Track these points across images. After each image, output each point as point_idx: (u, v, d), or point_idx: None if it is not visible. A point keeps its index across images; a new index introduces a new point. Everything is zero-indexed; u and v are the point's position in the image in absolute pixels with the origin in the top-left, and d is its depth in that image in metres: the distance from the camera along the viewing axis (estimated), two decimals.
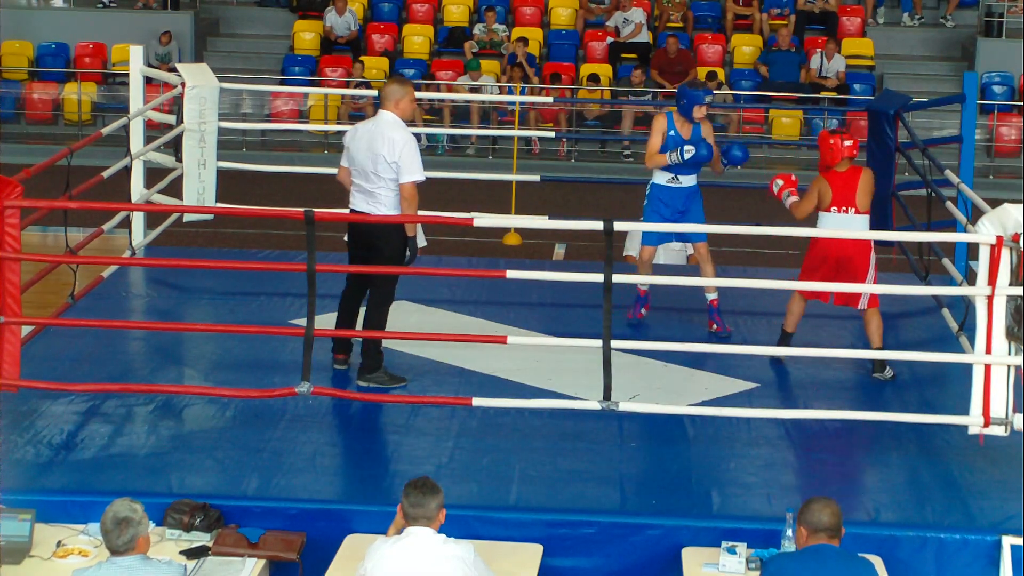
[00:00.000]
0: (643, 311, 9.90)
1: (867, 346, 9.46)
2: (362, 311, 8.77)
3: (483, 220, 8.04)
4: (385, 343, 9.18)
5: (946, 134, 16.13)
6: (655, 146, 9.65)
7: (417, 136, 18.61)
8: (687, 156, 9.51)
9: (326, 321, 9.11)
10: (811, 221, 9.02)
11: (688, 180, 9.69)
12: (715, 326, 9.75)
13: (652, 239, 9.86)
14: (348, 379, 8.65)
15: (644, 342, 8.32)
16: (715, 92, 21.12)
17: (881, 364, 8.90)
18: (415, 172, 8.55)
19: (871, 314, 8.98)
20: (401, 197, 8.53)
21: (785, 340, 9.14)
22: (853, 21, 23.06)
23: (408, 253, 8.64)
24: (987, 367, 7.40)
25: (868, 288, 8.75)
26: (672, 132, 9.64)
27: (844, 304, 9.09)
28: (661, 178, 9.72)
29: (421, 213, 8.73)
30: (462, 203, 16.50)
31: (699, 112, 9.61)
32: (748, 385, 8.78)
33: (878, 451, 7.94)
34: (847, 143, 8.91)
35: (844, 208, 8.87)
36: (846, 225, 8.83)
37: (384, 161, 8.55)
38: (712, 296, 9.80)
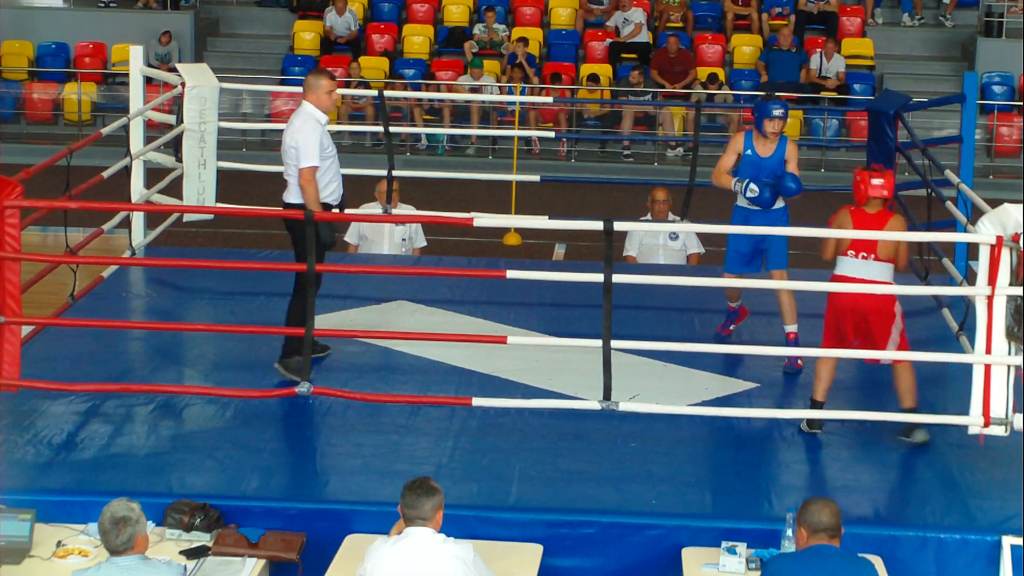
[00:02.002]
0: (732, 326, 9.57)
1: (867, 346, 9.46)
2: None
3: (483, 220, 8.03)
4: (386, 343, 9.19)
5: (946, 134, 16.12)
6: (725, 165, 9.08)
7: (417, 136, 18.56)
8: (749, 195, 8.91)
9: (326, 321, 9.13)
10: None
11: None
12: (788, 363, 9.02)
13: (734, 266, 9.21)
14: (348, 379, 8.65)
15: (644, 342, 8.31)
16: (715, 92, 21.20)
17: (911, 426, 7.99)
18: (310, 157, 8.64)
19: (900, 369, 8.01)
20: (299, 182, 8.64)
21: (816, 408, 8.12)
22: (853, 21, 23.05)
23: (321, 238, 8.61)
24: (987, 367, 7.40)
25: (886, 355, 8.05)
26: (748, 151, 9.02)
27: (870, 361, 8.33)
28: (741, 199, 9.10)
29: (421, 213, 8.72)
30: (462, 203, 16.51)
31: (770, 126, 8.92)
32: (748, 385, 8.78)
33: (878, 451, 7.94)
34: (875, 181, 8.14)
35: (864, 254, 8.09)
36: (864, 273, 8.05)
37: (288, 147, 8.72)
38: (791, 328, 9.17)
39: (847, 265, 8.09)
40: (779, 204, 9.11)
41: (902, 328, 8.08)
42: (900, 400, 8.02)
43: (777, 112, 8.89)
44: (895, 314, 8.04)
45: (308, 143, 8.64)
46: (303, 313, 8.31)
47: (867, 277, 7.99)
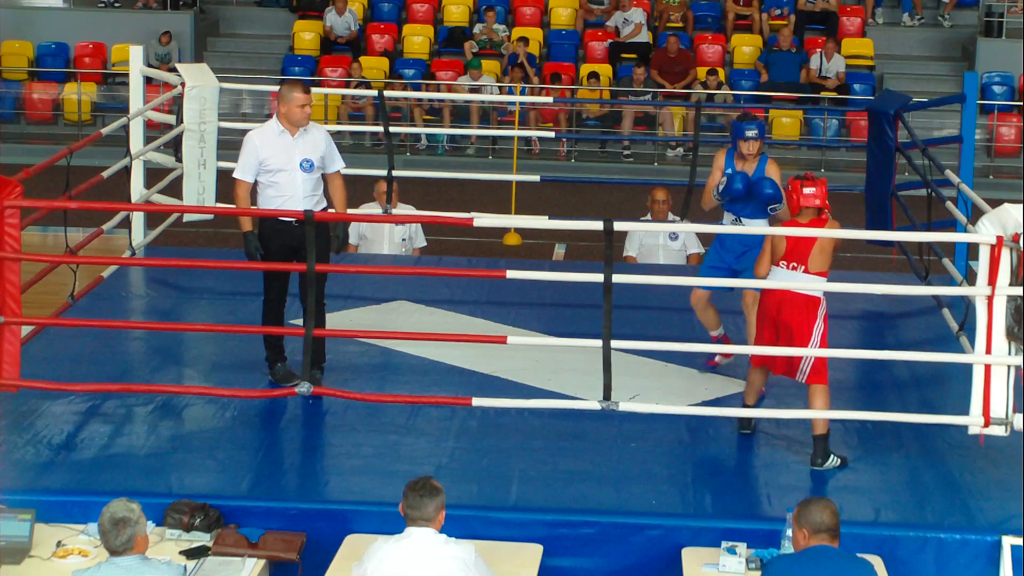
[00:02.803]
0: (718, 357, 9.06)
1: (867, 346, 9.47)
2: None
3: (483, 220, 8.04)
4: (386, 343, 9.19)
5: (946, 134, 16.13)
6: (711, 184, 8.83)
7: (417, 136, 18.53)
8: (720, 187, 8.64)
9: (326, 321, 9.11)
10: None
11: (755, 224, 8.63)
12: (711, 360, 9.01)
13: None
14: (348, 379, 8.64)
15: (644, 342, 8.31)
16: (715, 92, 21.21)
17: (824, 453, 7.74)
18: (237, 169, 8.59)
19: (814, 391, 7.80)
20: None
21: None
22: (853, 21, 23.05)
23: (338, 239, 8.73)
24: (987, 367, 7.39)
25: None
26: (729, 170, 8.72)
27: (784, 374, 7.95)
28: (726, 219, 8.84)
29: (421, 213, 8.72)
30: (462, 203, 16.52)
31: (745, 147, 8.62)
32: None
33: (878, 451, 7.94)
34: (807, 191, 7.83)
35: (794, 265, 7.81)
36: (791, 285, 7.77)
37: None
38: (715, 332, 9.08)
39: (776, 275, 7.86)
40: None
41: (822, 345, 7.78)
42: (813, 426, 7.76)
43: (750, 133, 8.62)
44: (813, 332, 7.75)
45: (241, 154, 8.54)
46: (272, 316, 8.46)
47: (793, 289, 7.78)
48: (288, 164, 8.47)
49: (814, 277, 7.79)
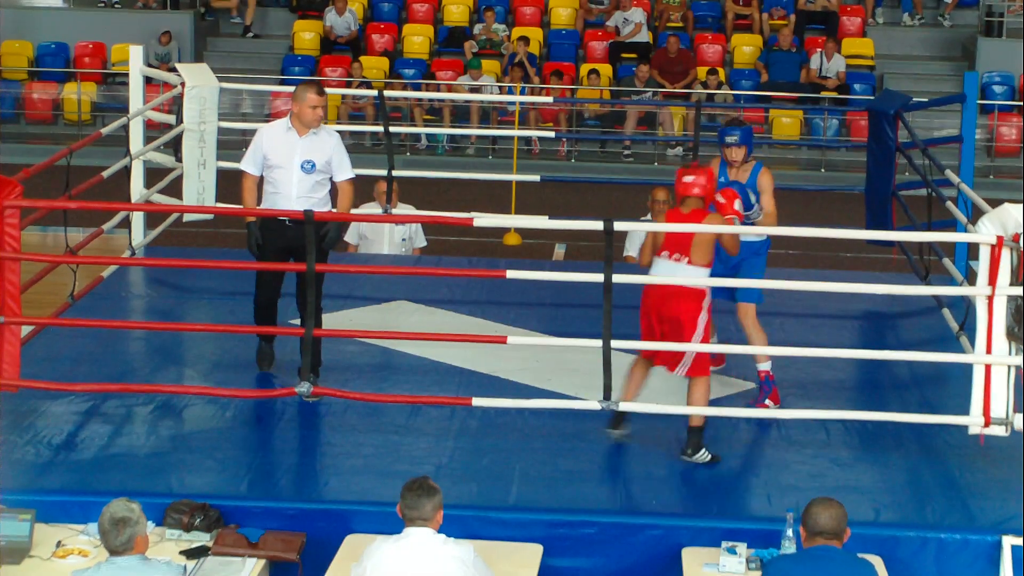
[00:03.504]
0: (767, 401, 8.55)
1: (867, 346, 9.47)
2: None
3: (483, 220, 8.03)
4: (386, 343, 9.19)
5: (946, 134, 16.13)
6: None
7: (417, 136, 18.49)
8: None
9: (326, 321, 9.11)
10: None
11: (746, 235, 8.34)
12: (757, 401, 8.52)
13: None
14: (348, 379, 8.64)
15: (644, 342, 8.31)
16: (715, 92, 21.20)
17: (696, 445, 7.72)
18: (243, 160, 8.72)
19: (694, 383, 7.75)
20: None
21: (619, 414, 7.81)
22: (853, 21, 23.05)
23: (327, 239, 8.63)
24: (987, 367, 7.39)
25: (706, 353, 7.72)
26: (722, 178, 8.48)
27: (665, 365, 7.85)
28: None
29: (421, 213, 8.72)
30: (462, 203, 16.50)
31: (727, 154, 8.46)
32: (748, 385, 8.78)
33: (878, 451, 7.94)
34: (687, 179, 7.76)
35: (676, 256, 7.74)
36: (672, 276, 7.69)
37: None
38: (763, 367, 8.53)
39: (658, 266, 7.79)
40: (759, 236, 8.51)
41: (703, 338, 7.72)
42: (690, 417, 7.72)
43: (730, 139, 8.45)
44: (697, 326, 7.69)
45: (249, 149, 8.65)
46: (261, 315, 8.56)
47: (674, 280, 7.73)
48: (287, 162, 8.51)
49: (698, 269, 7.73)
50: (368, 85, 20.74)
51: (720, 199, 7.95)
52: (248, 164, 8.65)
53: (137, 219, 11.02)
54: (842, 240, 14.52)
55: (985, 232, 7.32)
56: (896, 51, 23.05)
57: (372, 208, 11.72)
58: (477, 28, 22.86)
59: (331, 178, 8.60)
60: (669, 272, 7.74)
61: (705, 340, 7.76)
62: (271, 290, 8.68)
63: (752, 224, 8.36)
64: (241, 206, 8.83)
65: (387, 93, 12.80)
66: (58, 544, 6.78)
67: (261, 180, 8.64)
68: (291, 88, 21.60)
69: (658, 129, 21.37)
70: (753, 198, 8.35)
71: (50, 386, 7.97)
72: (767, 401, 8.42)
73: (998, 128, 21.26)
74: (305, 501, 7.23)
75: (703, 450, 7.72)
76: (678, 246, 7.75)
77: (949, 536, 7.04)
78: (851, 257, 15.11)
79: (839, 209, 16.45)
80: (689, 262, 7.73)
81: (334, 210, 8.70)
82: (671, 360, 7.78)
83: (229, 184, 11.66)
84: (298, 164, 8.49)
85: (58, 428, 7.91)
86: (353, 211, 9.24)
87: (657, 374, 8.76)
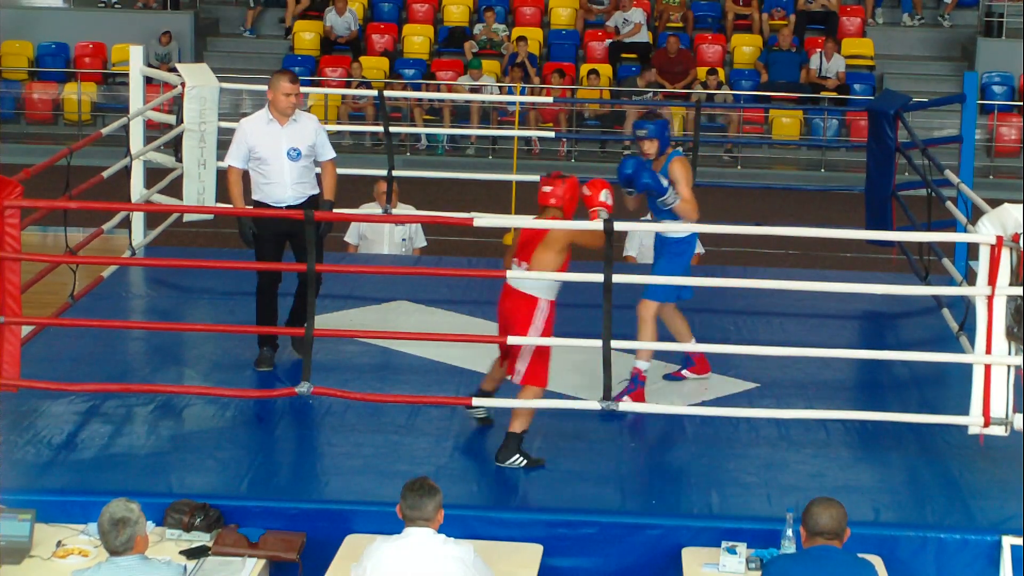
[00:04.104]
0: (685, 371, 8.84)
1: (867, 346, 9.48)
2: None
3: (483, 220, 8.02)
4: (386, 343, 9.19)
5: (946, 134, 16.13)
6: None
7: (417, 136, 18.51)
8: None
9: (326, 321, 9.13)
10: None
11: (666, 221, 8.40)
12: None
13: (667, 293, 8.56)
14: (348, 379, 8.64)
15: (644, 342, 8.31)
16: (715, 92, 21.20)
17: (510, 450, 7.66)
18: (228, 155, 8.88)
19: (525, 391, 7.71)
20: None
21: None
22: (853, 21, 23.06)
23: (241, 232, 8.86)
24: (987, 367, 7.40)
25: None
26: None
27: (508, 372, 7.83)
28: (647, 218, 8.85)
29: (421, 213, 8.73)
30: (462, 203, 16.50)
31: (641, 148, 8.42)
32: (748, 385, 8.78)
33: (878, 451, 7.94)
34: (545, 188, 7.75)
35: (525, 265, 7.70)
36: (513, 282, 7.69)
37: None
38: (640, 364, 8.44)
39: (511, 272, 7.72)
40: (677, 234, 8.45)
41: (539, 351, 7.69)
42: (510, 421, 7.67)
43: (639, 133, 8.41)
44: (528, 332, 7.66)
45: (233, 143, 8.82)
46: (264, 299, 8.71)
47: (514, 286, 7.70)
48: (275, 152, 8.69)
49: (536, 274, 7.66)
50: (368, 85, 20.74)
51: (587, 191, 7.85)
52: (234, 159, 8.79)
53: (137, 219, 11.02)
54: (842, 240, 14.52)
55: (985, 232, 7.32)
56: (896, 51, 23.05)
57: (372, 208, 11.72)
58: (477, 28, 22.86)
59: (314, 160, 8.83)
60: (511, 278, 7.71)
61: (545, 356, 7.68)
62: (275, 275, 8.84)
63: (669, 210, 8.31)
64: (231, 204, 8.91)
65: (387, 93, 12.80)
66: (58, 544, 6.78)
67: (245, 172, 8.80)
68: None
69: None
70: (665, 181, 8.27)
71: (50, 386, 7.97)
72: (625, 398, 8.26)
73: (998, 128, 21.26)
74: (305, 501, 7.23)
75: (518, 455, 7.63)
76: (524, 253, 7.72)
77: (949, 536, 7.04)
78: (851, 257, 15.11)
79: (839, 209, 16.45)
80: (529, 268, 7.69)
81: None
82: (511, 367, 7.76)
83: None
84: (285, 153, 8.68)
85: (58, 428, 7.92)
86: (353, 211, 9.28)
87: (651, 374, 8.77)
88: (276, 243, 8.73)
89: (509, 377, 7.84)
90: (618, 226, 7.53)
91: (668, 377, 8.85)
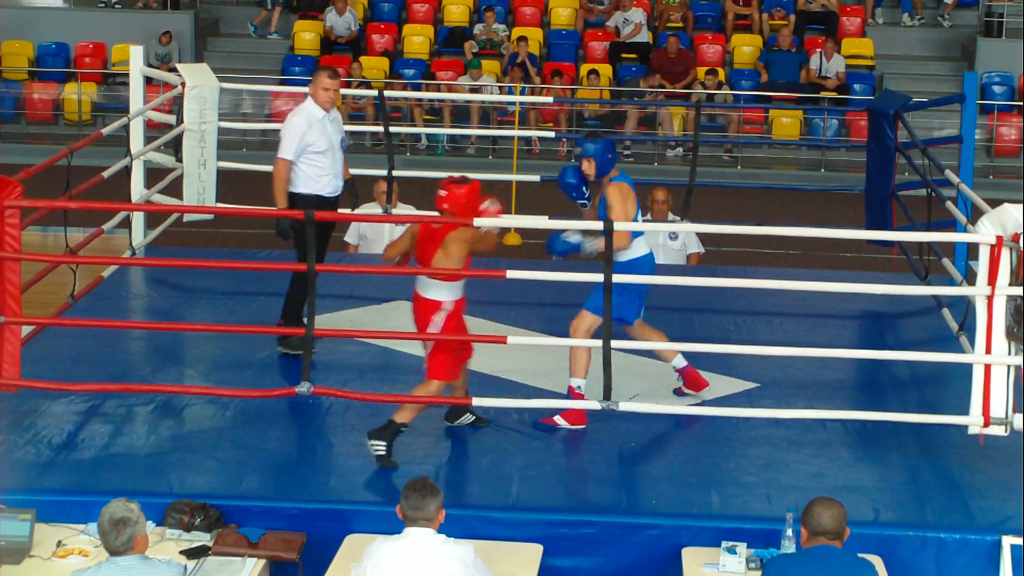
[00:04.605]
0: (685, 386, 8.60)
1: (867, 346, 9.48)
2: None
3: (483, 220, 8.03)
4: (386, 343, 9.19)
5: (946, 134, 16.13)
6: None
7: (417, 136, 18.56)
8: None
9: (326, 321, 9.12)
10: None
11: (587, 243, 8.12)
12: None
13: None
14: (348, 379, 8.64)
15: (644, 342, 8.31)
16: (715, 92, 21.20)
17: (381, 435, 7.60)
18: (283, 150, 9.03)
19: (424, 384, 7.66)
20: None
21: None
22: (853, 21, 23.06)
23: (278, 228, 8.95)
24: (987, 367, 7.40)
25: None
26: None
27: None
28: None
29: (421, 213, 8.74)
30: None
31: (581, 165, 8.27)
32: (748, 385, 8.79)
33: (878, 451, 7.94)
34: (440, 192, 7.71)
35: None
36: (414, 283, 7.75)
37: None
38: (574, 382, 8.18)
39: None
40: (621, 255, 8.10)
41: (443, 346, 7.68)
42: (398, 411, 7.63)
43: (576, 150, 8.31)
44: (429, 327, 7.69)
45: (287, 136, 8.99)
46: (299, 303, 8.73)
47: (414, 287, 7.81)
48: (329, 144, 9.06)
49: (436, 281, 7.67)
50: (368, 85, 20.73)
51: (487, 204, 7.82)
52: (291, 152, 9.00)
53: (137, 219, 11.03)
54: (842, 240, 14.52)
55: (985, 232, 7.32)
56: (896, 51, 23.05)
57: (372, 208, 11.72)
58: (477, 28, 22.86)
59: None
60: (418, 284, 7.76)
61: (446, 350, 7.67)
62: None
63: (587, 252, 8.12)
64: (277, 197, 8.94)
65: (387, 93, 12.79)
66: (58, 544, 6.79)
67: None
68: (291, 88, 21.75)
69: (658, 129, 21.37)
70: (575, 239, 8.09)
71: (50, 386, 7.97)
72: (557, 417, 8.11)
73: (998, 128, 21.26)
74: (305, 501, 7.23)
75: (383, 444, 7.55)
76: (423, 257, 7.73)
77: (949, 536, 7.04)
78: (851, 257, 15.11)
79: (839, 209, 16.45)
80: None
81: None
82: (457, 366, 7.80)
83: (229, 184, 11.69)
84: (338, 144, 9.11)
85: (58, 428, 7.92)
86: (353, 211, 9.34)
87: (651, 374, 8.78)
88: (320, 237, 8.70)
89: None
90: (618, 226, 7.52)
91: (677, 393, 8.64)
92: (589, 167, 8.26)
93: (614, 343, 7.50)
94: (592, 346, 7.64)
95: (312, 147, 8.98)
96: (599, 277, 7.49)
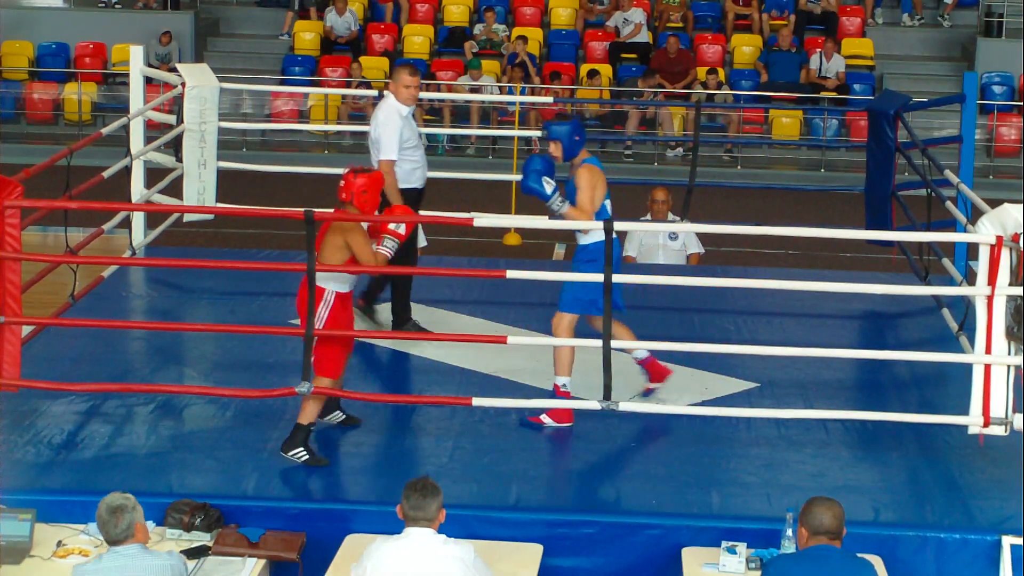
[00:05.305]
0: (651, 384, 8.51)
1: (867, 346, 9.48)
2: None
3: (483, 220, 8.04)
4: (387, 343, 9.20)
5: (946, 134, 16.13)
6: None
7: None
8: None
9: None
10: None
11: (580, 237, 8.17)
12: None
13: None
14: (348, 379, 8.64)
15: (644, 342, 8.31)
16: (715, 92, 21.20)
17: (293, 443, 7.56)
18: (387, 151, 9.16)
19: (316, 381, 7.56)
20: None
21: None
22: (853, 21, 23.06)
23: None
24: (987, 367, 7.39)
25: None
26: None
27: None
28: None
29: (421, 213, 8.75)
30: (462, 203, 16.48)
31: (548, 148, 8.19)
32: (748, 385, 8.78)
33: (878, 451, 7.94)
34: (341, 183, 7.67)
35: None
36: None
37: (372, 139, 9.22)
38: (558, 380, 8.10)
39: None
40: (582, 240, 8.14)
41: (322, 345, 7.56)
42: (300, 413, 7.59)
43: (541, 134, 8.26)
44: (312, 314, 7.51)
45: (388, 137, 9.16)
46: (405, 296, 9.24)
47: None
48: (418, 139, 9.33)
49: (320, 274, 7.54)
50: (368, 85, 20.74)
51: (392, 226, 7.79)
52: (395, 152, 9.19)
53: (137, 219, 11.02)
54: (842, 240, 14.53)
55: (985, 232, 7.32)
56: (896, 51, 23.05)
57: None
58: (477, 28, 22.87)
59: None
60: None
61: (335, 345, 7.59)
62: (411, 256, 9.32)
63: (557, 214, 8.14)
64: (391, 197, 8.95)
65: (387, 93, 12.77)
66: (58, 544, 6.79)
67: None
68: (291, 88, 21.75)
69: (658, 129, 21.37)
70: (549, 188, 8.07)
71: (50, 386, 7.97)
72: (543, 416, 8.05)
73: (998, 128, 21.26)
74: (305, 501, 7.24)
75: (301, 450, 7.54)
76: (319, 248, 7.59)
77: (949, 536, 7.04)
78: (851, 257, 15.12)
79: (839, 209, 16.46)
80: (317, 258, 7.56)
81: None
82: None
83: (229, 184, 11.69)
84: (426, 137, 9.01)
85: (58, 428, 7.92)
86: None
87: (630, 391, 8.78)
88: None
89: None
90: (618, 226, 7.53)
91: (644, 395, 8.52)
92: (556, 149, 8.21)
93: (614, 343, 7.50)
94: (589, 346, 7.63)
95: (406, 143, 9.22)
96: (599, 277, 7.48)
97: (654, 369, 8.51)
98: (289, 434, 7.62)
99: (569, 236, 16.51)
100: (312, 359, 7.53)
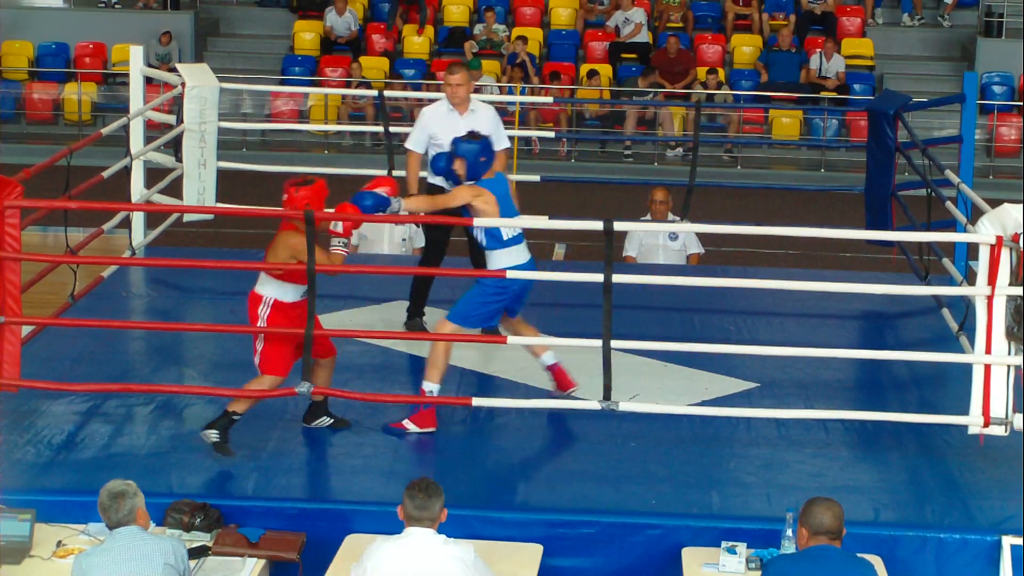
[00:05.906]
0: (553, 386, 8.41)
1: (867, 346, 9.48)
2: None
3: (483, 220, 8.02)
4: (386, 343, 9.20)
5: (946, 134, 16.13)
6: None
7: None
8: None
9: (326, 321, 9.11)
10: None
11: None
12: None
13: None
14: (348, 379, 8.64)
15: (644, 342, 8.31)
16: (715, 92, 21.21)
17: (215, 425, 7.64)
18: (408, 141, 9.64)
19: (260, 379, 7.65)
20: None
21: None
22: (853, 21, 23.06)
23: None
24: (987, 367, 7.39)
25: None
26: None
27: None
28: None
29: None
30: None
31: (455, 163, 8.17)
32: (748, 385, 8.78)
33: (878, 451, 7.94)
34: (284, 195, 7.70)
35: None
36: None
37: None
38: (426, 385, 8.07)
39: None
40: (497, 262, 8.13)
41: (269, 343, 7.62)
42: (233, 401, 7.66)
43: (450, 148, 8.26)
44: (254, 318, 7.66)
45: (414, 128, 9.57)
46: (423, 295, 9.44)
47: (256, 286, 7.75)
48: (450, 139, 8.91)
49: (267, 276, 7.68)
50: (368, 85, 20.74)
51: (335, 225, 7.82)
52: (413, 143, 9.55)
53: (137, 219, 11.02)
54: (842, 240, 14.53)
55: (985, 232, 7.32)
56: (896, 51, 23.06)
57: None
58: (477, 28, 22.87)
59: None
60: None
61: (276, 344, 7.62)
62: (442, 254, 9.57)
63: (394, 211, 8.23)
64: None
65: (387, 93, 12.80)
66: (58, 544, 6.79)
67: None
68: (291, 88, 21.75)
69: (658, 129, 21.37)
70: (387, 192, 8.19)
71: (50, 386, 7.96)
72: (405, 421, 8.00)
73: (998, 128, 21.27)
74: (305, 501, 7.24)
75: (215, 432, 7.57)
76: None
77: (949, 536, 7.04)
78: (851, 257, 15.11)
79: (839, 209, 16.46)
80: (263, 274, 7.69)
81: None
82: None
83: (229, 184, 11.69)
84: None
85: (58, 428, 7.92)
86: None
87: (651, 374, 8.78)
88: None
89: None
90: (618, 226, 7.53)
91: (560, 396, 8.40)
92: (460, 167, 8.15)
93: (614, 343, 7.50)
94: (589, 346, 7.62)
95: (434, 139, 9.34)
96: (599, 277, 7.48)
97: (560, 378, 8.42)
98: (216, 419, 7.65)
99: (569, 236, 16.57)
100: (258, 360, 7.65)
